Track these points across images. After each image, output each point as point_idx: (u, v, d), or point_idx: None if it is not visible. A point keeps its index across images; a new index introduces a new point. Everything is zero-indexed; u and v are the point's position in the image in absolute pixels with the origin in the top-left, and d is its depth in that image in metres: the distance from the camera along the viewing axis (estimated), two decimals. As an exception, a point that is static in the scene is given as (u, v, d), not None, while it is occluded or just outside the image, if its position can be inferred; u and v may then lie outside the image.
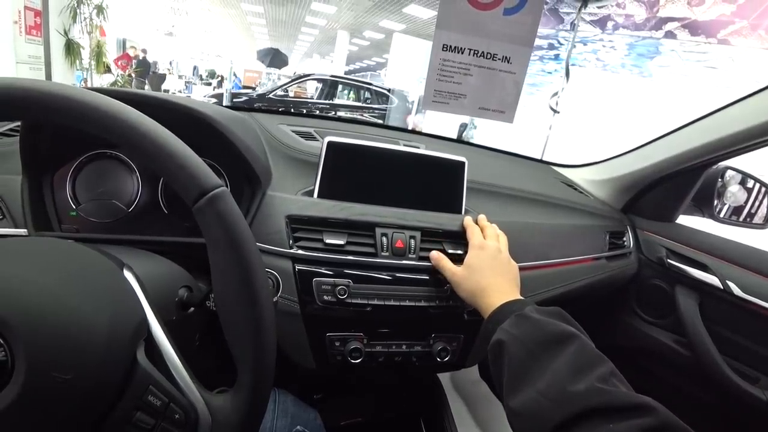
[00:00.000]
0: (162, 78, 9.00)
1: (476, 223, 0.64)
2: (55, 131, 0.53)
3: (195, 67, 13.81)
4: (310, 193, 0.64)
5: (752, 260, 0.90)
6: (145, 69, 7.62)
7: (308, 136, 0.81)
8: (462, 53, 0.89)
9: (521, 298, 0.53)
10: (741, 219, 1.05)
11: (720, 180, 1.04)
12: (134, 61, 7.43)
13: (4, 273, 0.28)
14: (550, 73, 6.06)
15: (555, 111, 1.71)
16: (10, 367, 0.25)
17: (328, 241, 0.59)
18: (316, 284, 0.57)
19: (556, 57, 5.96)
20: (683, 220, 1.07)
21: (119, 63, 6.93)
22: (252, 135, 0.65)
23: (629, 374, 1.23)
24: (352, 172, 0.65)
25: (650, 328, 1.05)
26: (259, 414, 0.35)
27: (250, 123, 0.72)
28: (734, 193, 1.05)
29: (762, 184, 1.04)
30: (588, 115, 4.80)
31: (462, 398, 1.41)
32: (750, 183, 1.04)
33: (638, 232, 1.07)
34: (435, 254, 0.61)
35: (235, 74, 9.83)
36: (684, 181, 1.01)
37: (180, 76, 12.57)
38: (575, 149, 2.20)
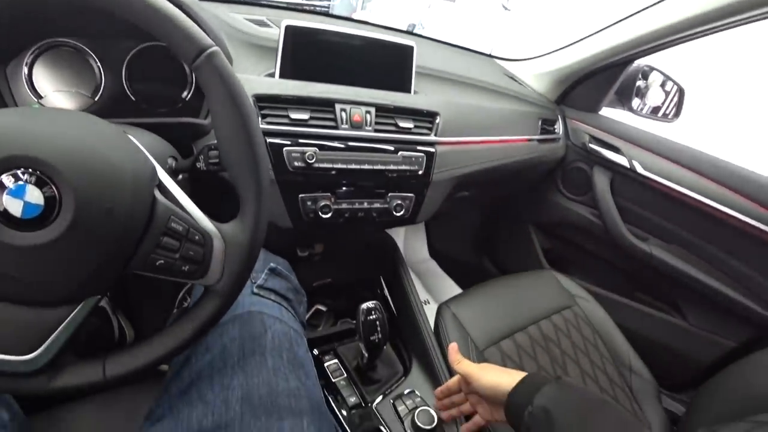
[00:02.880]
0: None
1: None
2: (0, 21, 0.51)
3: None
4: (272, 76, 0.70)
5: (654, 144, 1.08)
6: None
7: (261, 24, 0.83)
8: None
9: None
10: (655, 114, 1.21)
11: (642, 80, 1.18)
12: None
13: (40, 128, 0.32)
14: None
15: (506, 9, 1.74)
16: (59, 200, 0.31)
17: (293, 116, 0.66)
18: (286, 153, 0.65)
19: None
20: (606, 112, 1.23)
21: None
22: (210, 19, 0.67)
23: (555, 243, 1.45)
24: (310, 54, 0.70)
25: (571, 204, 1.24)
26: (262, 236, 0.42)
27: (206, 7, 0.73)
28: (654, 93, 1.20)
29: (677, 85, 1.18)
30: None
31: (414, 271, 1.62)
32: (668, 85, 1.19)
33: (567, 121, 1.21)
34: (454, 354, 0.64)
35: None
36: (608, 76, 1.14)
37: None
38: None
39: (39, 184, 0.30)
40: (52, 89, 0.58)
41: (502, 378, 0.55)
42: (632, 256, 1.10)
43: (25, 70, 0.57)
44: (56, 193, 0.31)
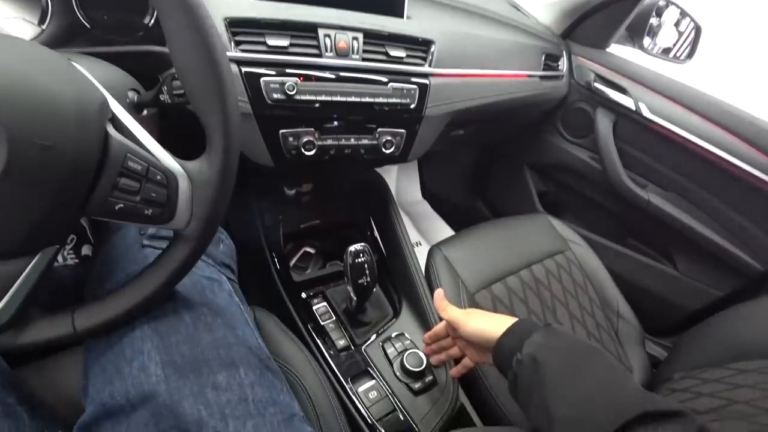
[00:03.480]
0: None
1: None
2: None
3: None
4: (247, -6, 0.61)
5: (663, 86, 1.01)
6: None
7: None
8: None
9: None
10: (666, 54, 1.13)
11: (656, 17, 1.09)
12: None
13: None
14: None
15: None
16: None
17: (270, 43, 0.59)
18: (264, 84, 0.58)
19: None
20: (613, 49, 1.14)
21: None
22: None
23: (550, 187, 1.42)
24: (291, -31, 0.62)
25: (570, 146, 1.19)
26: (232, 171, 0.38)
27: None
28: (666, 32, 1.11)
29: (694, 23, 1.09)
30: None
31: (406, 212, 1.60)
32: (684, 24, 1.09)
33: (573, 58, 1.13)
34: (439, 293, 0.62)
35: None
36: (621, 9, 1.04)
37: None
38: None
39: None
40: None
41: (487, 324, 0.55)
42: (629, 202, 1.08)
43: None
44: None
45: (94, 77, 0.36)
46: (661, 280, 1.10)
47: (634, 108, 1.04)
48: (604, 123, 1.10)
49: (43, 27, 0.53)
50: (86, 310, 0.38)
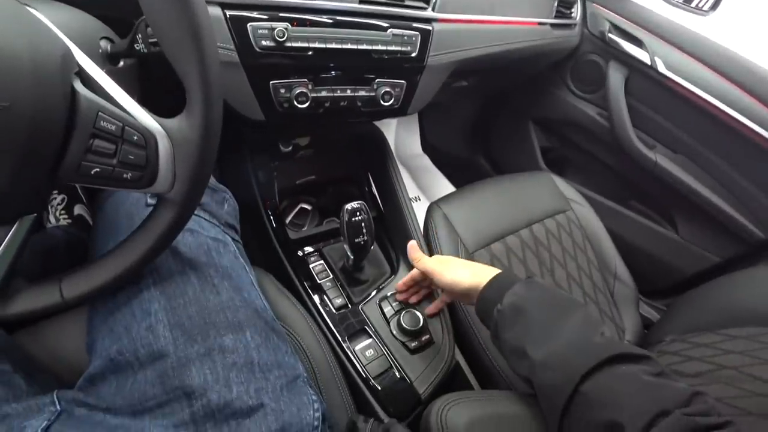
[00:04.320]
0: None
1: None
2: None
3: None
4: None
5: (683, 39, 0.95)
6: None
7: None
8: None
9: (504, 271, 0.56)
10: (688, 3, 1.04)
11: None
12: None
13: None
14: None
15: None
16: None
17: (260, -18, 0.53)
18: (251, 29, 0.53)
19: None
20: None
21: None
22: None
23: (555, 144, 1.38)
24: None
25: (578, 102, 1.14)
26: (215, 128, 0.35)
27: None
28: None
29: None
30: None
31: (405, 167, 1.57)
32: None
33: (587, 5, 1.05)
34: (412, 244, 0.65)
35: None
36: None
37: None
38: None
39: None
40: None
41: (464, 275, 0.57)
42: (635, 163, 1.05)
43: None
44: None
45: (55, 25, 0.32)
46: (660, 243, 1.09)
47: (649, 62, 0.98)
48: (615, 77, 1.04)
49: None
50: (74, 277, 0.37)
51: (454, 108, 1.44)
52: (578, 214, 0.94)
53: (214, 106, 0.34)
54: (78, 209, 0.80)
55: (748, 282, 0.76)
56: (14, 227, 0.32)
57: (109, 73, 0.33)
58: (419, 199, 1.49)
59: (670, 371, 0.40)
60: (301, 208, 0.85)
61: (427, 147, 1.63)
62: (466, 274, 0.57)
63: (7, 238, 0.32)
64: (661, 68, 0.96)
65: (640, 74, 1.01)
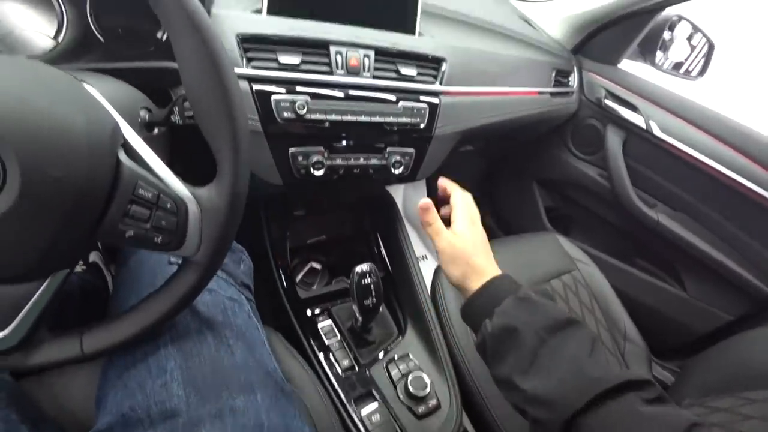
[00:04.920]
0: None
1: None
2: None
3: None
4: (259, 12, 0.61)
5: (675, 104, 1.00)
6: None
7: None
8: None
9: (503, 273, 0.52)
10: (677, 70, 1.11)
11: (668, 31, 1.08)
12: None
13: None
14: None
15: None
16: (3, 170, 0.26)
17: (282, 60, 0.58)
18: (275, 102, 0.58)
19: None
20: (627, 65, 1.13)
21: None
22: None
23: (558, 203, 1.40)
24: (302, -14, 0.61)
25: (579, 163, 1.18)
26: (242, 199, 0.37)
27: None
28: (678, 47, 1.09)
29: (707, 39, 1.08)
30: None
31: (413, 225, 1.59)
32: (696, 38, 1.08)
33: (583, 73, 1.12)
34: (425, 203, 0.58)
35: None
36: (634, 25, 1.03)
37: None
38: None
39: None
40: (3, 33, 0.50)
41: (452, 272, 0.54)
42: (638, 221, 1.06)
43: None
44: None
45: (105, 98, 0.35)
46: (669, 301, 1.08)
47: (644, 126, 1.03)
48: (614, 140, 1.09)
49: (59, 40, 0.53)
50: (95, 332, 0.38)
51: (460, 168, 1.49)
52: (584, 273, 0.94)
53: (242, 178, 0.37)
54: (93, 256, 0.81)
55: (760, 342, 0.74)
56: (47, 282, 0.33)
57: (146, 140, 0.36)
58: (426, 258, 1.50)
59: None
60: (312, 268, 0.87)
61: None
62: (457, 272, 0.53)
63: (38, 292, 0.33)
64: (657, 131, 1.01)
65: (637, 137, 1.05)
